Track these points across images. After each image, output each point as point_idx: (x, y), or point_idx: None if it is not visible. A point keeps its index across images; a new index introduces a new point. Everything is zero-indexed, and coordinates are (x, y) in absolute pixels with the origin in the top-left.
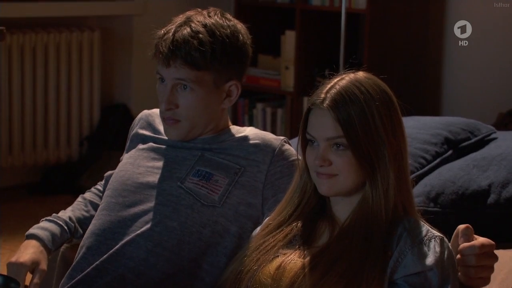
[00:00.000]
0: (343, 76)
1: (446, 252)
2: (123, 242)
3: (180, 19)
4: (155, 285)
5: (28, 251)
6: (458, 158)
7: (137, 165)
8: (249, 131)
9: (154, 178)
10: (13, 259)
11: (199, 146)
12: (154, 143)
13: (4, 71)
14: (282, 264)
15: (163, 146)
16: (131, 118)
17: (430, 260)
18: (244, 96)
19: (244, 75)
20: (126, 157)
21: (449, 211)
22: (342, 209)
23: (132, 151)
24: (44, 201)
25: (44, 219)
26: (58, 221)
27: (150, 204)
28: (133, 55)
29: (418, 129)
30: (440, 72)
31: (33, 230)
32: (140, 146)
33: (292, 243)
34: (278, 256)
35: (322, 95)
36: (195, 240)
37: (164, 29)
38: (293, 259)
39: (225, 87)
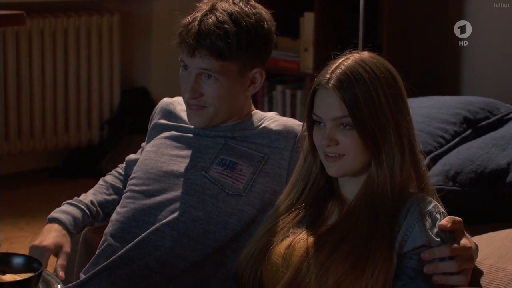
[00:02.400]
0: (348, 56)
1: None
2: (148, 231)
3: (205, 6)
4: (180, 273)
5: (51, 235)
6: (477, 137)
7: (161, 153)
8: (271, 117)
9: (178, 166)
10: (36, 242)
11: (221, 134)
12: (177, 131)
13: (24, 55)
14: (292, 244)
15: (186, 134)
16: (151, 101)
17: (434, 232)
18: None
19: (267, 61)
20: (149, 146)
21: (468, 190)
22: (350, 189)
23: (156, 140)
24: (65, 184)
25: (65, 202)
26: (80, 205)
27: (175, 193)
28: (153, 38)
29: (437, 108)
30: (459, 52)
31: (55, 213)
32: (163, 134)
33: (301, 223)
34: (288, 236)
35: (327, 75)
36: (221, 229)
37: (189, 17)
38: (303, 238)
39: (250, 75)
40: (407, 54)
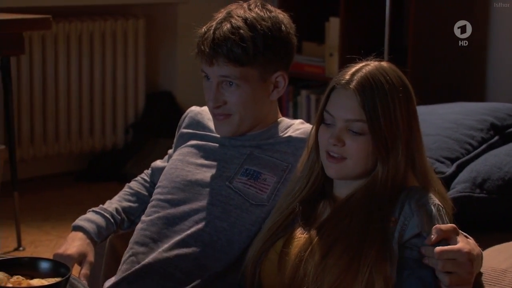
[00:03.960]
0: (368, 62)
1: (442, 219)
2: (173, 241)
3: (220, 14)
4: (204, 283)
5: (75, 244)
6: (504, 144)
7: (186, 162)
8: (296, 126)
9: (203, 176)
10: (60, 251)
11: (247, 144)
12: (203, 140)
13: (50, 59)
14: (287, 242)
15: (212, 144)
16: (176, 105)
17: (428, 222)
18: (288, 83)
19: (290, 64)
20: (176, 154)
21: (495, 197)
22: (345, 192)
23: (182, 149)
24: (90, 188)
25: (90, 210)
26: (105, 213)
27: (199, 203)
28: (178, 42)
29: (464, 115)
30: (485, 57)
31: (80, 221)
32: (189, 143)
33: (296, 222)
34: (282, 236)
35: (347, 76)
36: (245, 238)
37: (204, 27)
38: (296, 237)
39: (272, 79)
40: (433, 58)
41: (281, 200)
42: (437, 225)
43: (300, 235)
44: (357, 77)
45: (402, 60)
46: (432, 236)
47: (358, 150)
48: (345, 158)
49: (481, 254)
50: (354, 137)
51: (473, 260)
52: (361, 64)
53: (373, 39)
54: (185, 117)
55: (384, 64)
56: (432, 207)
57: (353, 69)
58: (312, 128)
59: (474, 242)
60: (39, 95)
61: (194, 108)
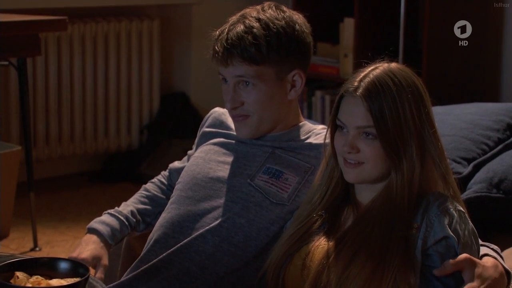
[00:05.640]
0: (377, 65)
1: (465, 223)
2: (191, 236)
3: (235, 17)
4: (220, 279)
5: (89, 247)
6: None
7: (208, 159)
8: (318, 131)
9: (225, 173)
10: (74, 254)
11: (269, 144)
12: (225, 138)
13: (65, 60)
14: (311, 250)
15: (234, 141)
16: (190, 106)
17: (451, 226)
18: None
19: (308, 64)
20: (198, 151)
21: None
22: (367, 196)
23: (204, 146)
24: (105, 188)
25: (106, 212)
26: (120, 216)
27: (220, 200)
28: (192, 43)
29: (480, 115)
30: (500, 58)
31: (95, 224)
32: (212, 141)
33: (320, 229)
34: (308, 242)
35: (356, 83)
36: (263, 236)
37: (219, 30)
38: (321, 244)
39: (289, 78)
40: (448, 59)
41: (302, 208)
42: (449, 261)
43: (325, 243)
44: (364, 83)
45: (417, 61)
46: (443, 269)
47: (373, 154)
48: (363, 163)
49: (503, 273)
50: (368, 141)
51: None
52: (369, 69)
53: (388, 39)
54: (209, 117)
55: (393, 65)
56: (454, 213)
57: (361, 75)
58: (326, 134)
59: (494, 262)
60: (55, 96)
61: (218, 109)
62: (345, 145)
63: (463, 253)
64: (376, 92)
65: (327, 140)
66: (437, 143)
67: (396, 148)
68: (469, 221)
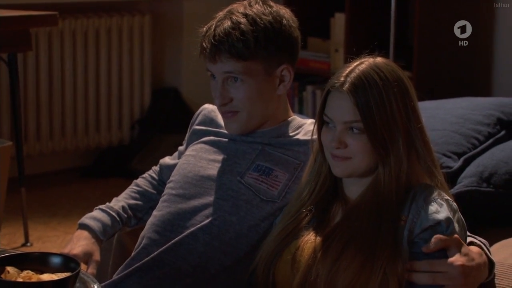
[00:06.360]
0: (363, 60)
1: (453, 212)
2: (183, 234)
3: (221, 13)
4: (211, 276)
5: (80, 243)
6: (510, 139)
7: (199, 158)
8: (308, 126)
9: (215, 171)
10: (66, 250)
11: (258, 141)
12: (215, 136)
13: (56, 55)
14: (301, 245)
15: (224, 139)
16: (182, 101)
17: (439, 215)
18: (293, 79)
19: (296, 58)
20: (189, 150)
21: (502, 191)
22: (355, 190)
23: (195, 145)
24: (96, 184)
25: (97, 208)
26: (111, 212)
27: (210, 198)
28: (183, 39)
29: (470, 109)
30: (492, 52)
31: (86, 220)
32: (202, 139)
33: (309, 224)
34: (297, 238)
35: (342, 79)
36: (253, 233)
37: (206, 26)
38: (310, 239)
39: (277, 73)
40: (438, 54)
41: (291, 204)
42: (438, 235)
43: (314, 238)
44: (350, 78)
45: (407, 55)
46: (431, 244)
47: (360, 148)
48: (350, 158)
49: (486, 262)
50: (355, 136)
51: (468, 274)
52: (355, 64)
53: (379, 34)
54: (198, 114)
55: (378, 60)
56: (442, 202)
57: (347, 70)
58: (313, 130)
59: (479, 250)
60: (46, 92)
61: (208, 106)
62: (333, 140)
63: None
64: (362, 86)
65: (314, 136)
66: (423, 136)
67: (383, 142)
68: (458, 211)
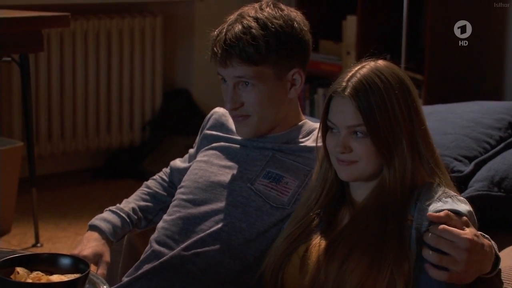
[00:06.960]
0: (364, 64)
1: (463, 203)
2: (192, 240)
3: (232, 16)
4: (220, 281)
5: (90, 244)
6: None
7: (210, 163)
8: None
9: (226, 177)
10: (76, 251)
11: (269, 146)
12: (226, 142)
13: (68, 56)
14: (309, 249)
15: (235, 146)
16: (193, 103)
17: (444, 207)
18: (305, 82)
19: (307, 62)
20: (200, 156)
21: None
22: (361, 194)
23: (206, 150)
24: (107, 185)
25: (107, 209)
26: (121, 213)
27: (220, 204)
28: (195, 40)
29: (482, 113)
30: (503, 56)
31: (96, 221)
32: (213, 145)
33: (317, 229)
34: (305, 242)
35: (343, 83)
36: (263, 239)
37: (217, 30)
38: (317, 244)
39: (288, 77)
40: (450, 56)
41: (298, 209)
42: (447, 211)
43: (322, 241)
44: (351, 83)
45: (419, 58)
46: (439, 214)
47: (365, 152)
48: (356, 161)
49: (493, 255)
50: (359, 139)
51: (472, 251)
52: (356, 68)
53: (391, 37)
54: (209, 118)
55: (379, 63)
56: (447, 199)
57: (348, 75)
58: (318, 135)
59: (489, 240)
60: (57, 92)
61: (218, 110)
62: (338, 145)
63: None
64: (364, 90)
65: (319, 142)
66: (426, 137)
67: (387, 144)
68: (467, 203)
